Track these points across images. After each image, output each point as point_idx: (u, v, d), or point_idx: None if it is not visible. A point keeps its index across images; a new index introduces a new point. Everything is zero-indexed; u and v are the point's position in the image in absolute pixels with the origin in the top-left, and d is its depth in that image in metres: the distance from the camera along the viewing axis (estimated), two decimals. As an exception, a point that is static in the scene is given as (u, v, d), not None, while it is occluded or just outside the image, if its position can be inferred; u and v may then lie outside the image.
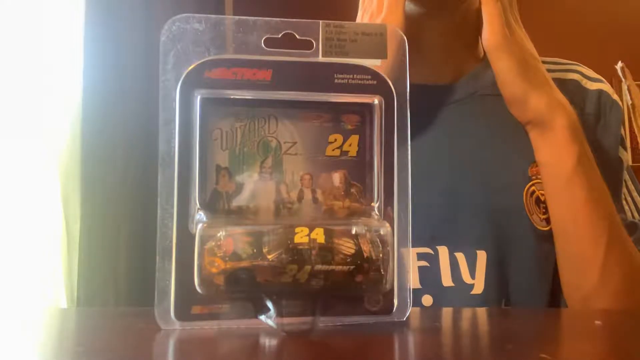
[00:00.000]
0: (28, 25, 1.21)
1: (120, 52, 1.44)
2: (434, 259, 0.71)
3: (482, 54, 0.82)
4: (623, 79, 0.60)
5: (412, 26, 0.77)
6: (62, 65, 1.30)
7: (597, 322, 0.48)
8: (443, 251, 0.71)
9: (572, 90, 0.79)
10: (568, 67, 0.83)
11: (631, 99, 0.59)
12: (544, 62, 0.83)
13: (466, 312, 0.57)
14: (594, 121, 0.79)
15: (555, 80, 0.80)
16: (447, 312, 0.58)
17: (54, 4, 1.28)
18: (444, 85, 0.79)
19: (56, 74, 1.28)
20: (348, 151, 0.44)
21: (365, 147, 0.45)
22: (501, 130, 0.76)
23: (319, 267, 0.39)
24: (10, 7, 1.19)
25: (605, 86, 0.81)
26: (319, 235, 0.40)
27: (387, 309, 0.43)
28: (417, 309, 0.44)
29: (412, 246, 0.70)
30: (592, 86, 0.81)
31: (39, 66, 1.24)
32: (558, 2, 1.92)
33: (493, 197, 0.73)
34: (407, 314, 0.44)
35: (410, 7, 0.75)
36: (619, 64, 0.63)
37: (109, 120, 1.40)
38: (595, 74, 0.83)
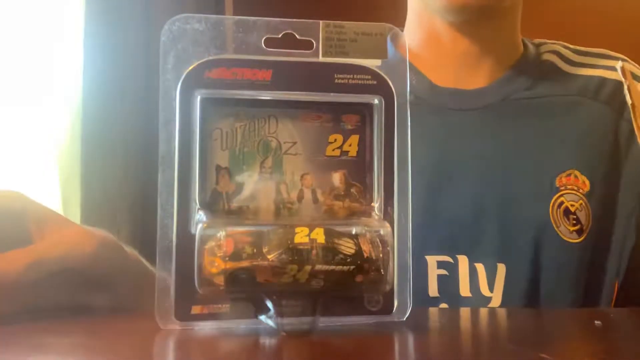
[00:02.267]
0: (28, 25, 1.21)
1: (120, 52, 1.44)
2: (453, 268, 0.69)
3: (521, 49, 0.79)
4: (623, 79, 0.60)
5: (450, 34, 0.75)
6: (62, 65, 1.30)
7: (597, 322, 0.48)
8: (463, 260, 0.70)
9: (612, 92, 0.76)
10: (615, 64, 0.78)
11: (631, 99, 0.58)
12: (589, 54, 0.79)
13: (466, 313, 0.57)
14: (631, 128, 0.75)
15: (597, 78, 0.77)
16: (447, 313, 0.58)
17: (54, 4, 1.28)
18: (475, 90, 0.76)
19: (56, 73, 1.28)
20: (348, 151, 0.44)
21: (365, 147, 0.45)
22: (531, 137, 0.74)
23: (319, 267, 0.39)
24: (10, 7, 1.19)
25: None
26: (319, 235, 0.40)
27: (387, 309, 0.43)
28: (417, 309, 0.44)
29: (433, 254, 0.69)
30: (625, 86, 0.77)
31: (39, 66, 1.24)
32: (560, 1, 1.92)
33: (517, 207, 0.71)
34: (407, 314, 0.44)
35: (452, 16, 0.74)
36: (619, 64, 0.63)
37: (109, 120, 1.40)
38: (633, 67, 0.78)
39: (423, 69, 0.74)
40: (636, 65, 0.79)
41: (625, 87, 0.57)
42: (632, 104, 0.56)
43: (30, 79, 1.22)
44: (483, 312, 0.61)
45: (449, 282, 0.69)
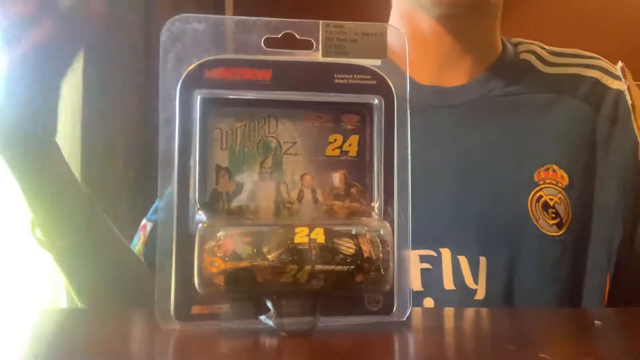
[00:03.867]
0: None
1: (120, 52, 1.44)
2: (436, 262, 0.70)
3: (500, 48, 0.80)
4: (623, 79, 0.59)
5: (435, 31, 0.76)
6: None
7: (597, 322, 0.48)
8: (446, 253, 0.70)
9: (589, 89, 0.77)
10: (589, 62, 0.80)
11: (631, 99, 0.58)
12: (563, 54, 0.81)
13: (466, 312, 0.57)
14: (609, 125, 0.76)
15: (574, 76, 0.78)
16: (447, 312, 0.58)
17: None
18: (455, 87, 0.77)
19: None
20: (348, 151, 0.44)
21: (365, 147, 0.45)
22: (510, 133, 0.75)
23: (319, 267, 0.39)
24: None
25: (624, 86, 0.78)
26: (319, 235, 0.40)
27: (387, 309, 0.43)
28: (417, 309, 0.44)
29: (415, 248, 0.69)
30: (613, 84, 0.78)
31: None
32: (557, 1, 1.92)
33: (496, 202, 0.72)
34: (407, 314, 0.44)
35: (440, 10, 0.74)
36: (619, 64, 0.62)
37: (109, 120, 1.40)
38: (617, 69, 0.76)
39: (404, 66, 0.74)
40: (610, 63, 0.80)
41: (626, 87, 0.57)
42: (632, 104, 0.56)
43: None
44: (483, 312, 0.61)
45: (433, 276, 0.70)
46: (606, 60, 0.81)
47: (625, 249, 0.74)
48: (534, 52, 0.81)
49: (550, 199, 0.72)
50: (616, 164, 0.75)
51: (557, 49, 0.82)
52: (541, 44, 0.83)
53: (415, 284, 0.69)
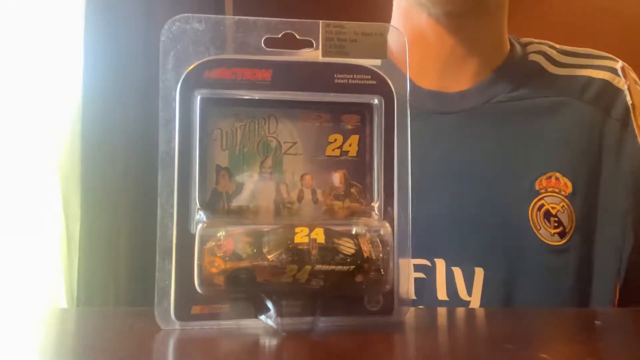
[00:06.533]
0: (28, 25, 1.21)
1: (120, 52, 1.44)
2: (430, 271, 0.69)
3: (508, 50, 0.78)
4: (623, 79, 0.59)
5: (437, 32, 0.74)
6: (62, 65, 1.30)
7: (597, 322, 0.48)
8: (440, 264, 0.69)
9: (599, 91, 0.75)
10: (600, 63, 0.77)
11: (631, 98, 0.58)
12: (574, 54, 0.78)
13: (466, 313, 0.57)
14: (620, 128, 0.73)
15: (583, 77, 0.75)
16: (446, 313, 0.58)
17: (54, 4, 1.28)
18: (458, 93, 0.75)
19: (56, 74, 1.28)
20: (348, 151, 0.44)
21: (365, 147, 0.45)
22: (511, 140, 0.73)
23: (319, 267, 0.39)
24: (10, 6, 1.19)
25: (625, 85, 0.75)
26: (319, 235, 0.40)
27: (387, 309, 0.43)
28: (417, 309, 0.44)
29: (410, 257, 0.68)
30: (625, 86, 0.74)
31: (39, 66, 1.24)
32: (558, 0, 1.92)
33: (495, 211, 0.71)
34: (407, 314, 0.44)
35: (439, 6, 0.72)
36: (619, 64, 0.62)
37: (109, 120, 1.40)
38: (630, 69, 0.76)
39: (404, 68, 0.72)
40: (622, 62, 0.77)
41: (626, 87, 0.57)
42: (632, 104, 0.56)
43: (30, 78, 1.22)
44: (483, 312, 0.61)
45: (426, 286, 0.68)
46: (618, 59, 0.78)
47: (635, 259, 0.73)
48: (543, 53, 0.78)
49: (553, 208, 0.70)
50: (628, 168, 0.73)
51: (569, 49, 0.80)
52: (552, 43, 0.80)
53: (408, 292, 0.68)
